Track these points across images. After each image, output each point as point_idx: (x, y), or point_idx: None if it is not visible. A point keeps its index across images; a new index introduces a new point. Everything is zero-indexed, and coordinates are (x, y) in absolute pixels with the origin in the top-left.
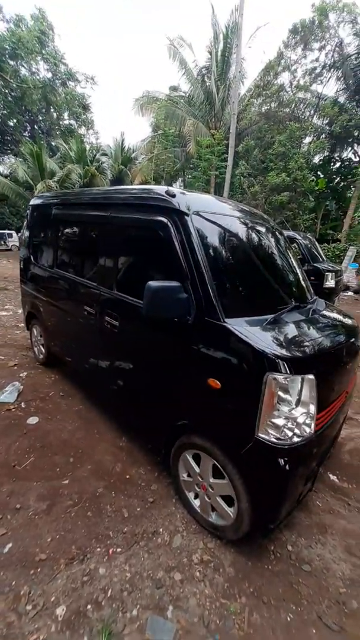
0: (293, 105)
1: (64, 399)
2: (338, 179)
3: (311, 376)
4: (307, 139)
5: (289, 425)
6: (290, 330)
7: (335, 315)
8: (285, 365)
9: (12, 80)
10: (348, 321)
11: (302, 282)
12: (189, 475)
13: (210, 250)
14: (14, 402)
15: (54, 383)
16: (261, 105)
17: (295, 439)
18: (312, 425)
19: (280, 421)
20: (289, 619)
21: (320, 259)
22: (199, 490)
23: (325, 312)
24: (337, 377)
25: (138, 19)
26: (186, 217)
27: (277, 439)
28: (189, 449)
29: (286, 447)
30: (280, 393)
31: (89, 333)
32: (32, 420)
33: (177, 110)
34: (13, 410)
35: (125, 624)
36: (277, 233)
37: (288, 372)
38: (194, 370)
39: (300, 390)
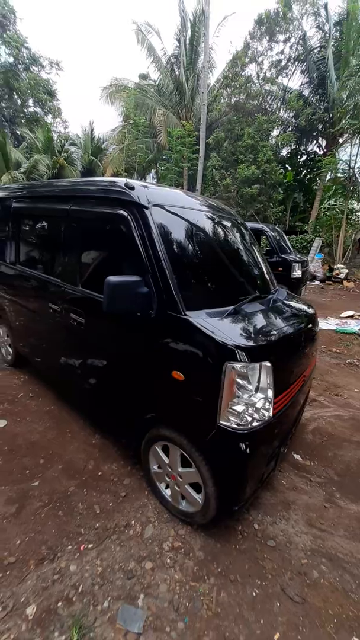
0: (261, 97)
1: (34, 400)
2: (305, 171)
3: (268, 363)
4: (275, 132)
5: (249, 410)
6: (249, 320)
7: (294, 303)
8: (243, 354)
9: None
10: (306, 309)
11: (265, 274)
12: (159, 467)
13: (171, 244)
14: None
15: (23, 384)
16: (230, 97)
17: (255, 424)
18: (271, 409)
19: (239, 407)
20: (254, 594)
21: (288, 250)
22: (169, 480)
23: (286, 301)
24: (295, 361)
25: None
26: (145, 210)
27: (238, 424)
28: (158, 441)
29: (246, 431)
30: (239, 381)
31: (55, 331)
32: (0, 423)
33: (147, 100)
34: None
35: (96, 617)
36: (241, 227)
37: (246, 360)
38: (158, 363)
39: (259, 377)
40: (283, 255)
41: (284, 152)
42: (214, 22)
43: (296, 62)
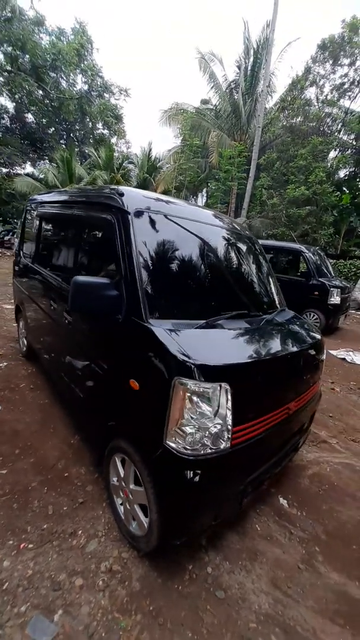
0: (319, 120)
1: (33, 392)
2: None
3: (226, 384)
4: (332, 154)
5: (199, 435)
6: (221, 337)
7: (295, 327)
8: (195, 370)
9: (51, 92)
10: (308, 335)
11: (265, 292)
12: (117, 480)
13: (148, 250)
14: None
15: (28, 375)
16: (286, 119)
17: (205, 451)
18: (228, 438)
19: (188, 429)
20: None
21: (328, 275)
22: (122, 496)
23: (283, 324)
24: (272, 389)
25: (173, 35)
26: (128, 215)
27: (185, 448)
28: (117, 452)
29: (193, 458)
30: (189, 399)
31: (54, 328)
32: None
33: (203, 122)
34: None
35: (9, 618)
36: (245, 241)
37: (198, 378)
38: (119, 369)
39: (213, 399)
40: (321, 279)
41: (342, 174)
42: (277, 48)
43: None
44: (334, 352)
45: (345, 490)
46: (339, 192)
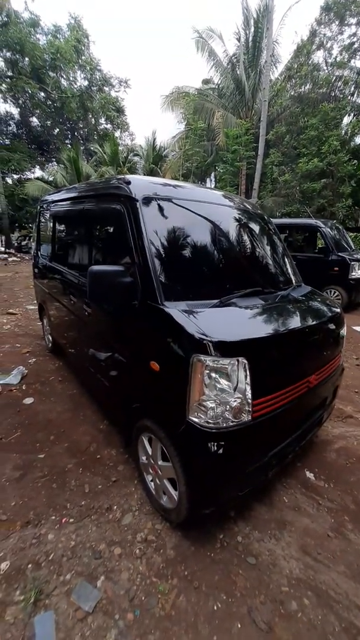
0: (329, 84)
1: (62, 384)
2: None
3: (243, 359)
4: (346, 120)
5: (220, 409)
6: (234, 314)
7: (312, 302)
8: (212, 347)
9: (53, 92)
10: (326, 309)
11: (280, 269)
12: (146, 459)
13: (158, 234)
14: (16, 384)
15: (56, 369)
16: (293, 88)
17: (227, 424)
18: (249, 411)
19: (210, 404)
20: (216, 607)
21: (348, 249)
22: (152, 472)
23: (300, 299)
24: (289, 363)
25: (167, 15)
26: (136, 202)
27: (207, 422)
28: (144, 432)
29: (215, 431)
30: (208, 375)
31: (75, 320)
32: (28, 400)
33: (207, 104)
34: (14, 391)
35: (56, 586)
36: (254, 219)
37: (215, 354)
38: (139, 353)
39: (231, 374)
40: (341, 254)
41: (358, 140)
42: (278, 14)
43: None
44: (357, 328)
45: None
46: (356, 161)
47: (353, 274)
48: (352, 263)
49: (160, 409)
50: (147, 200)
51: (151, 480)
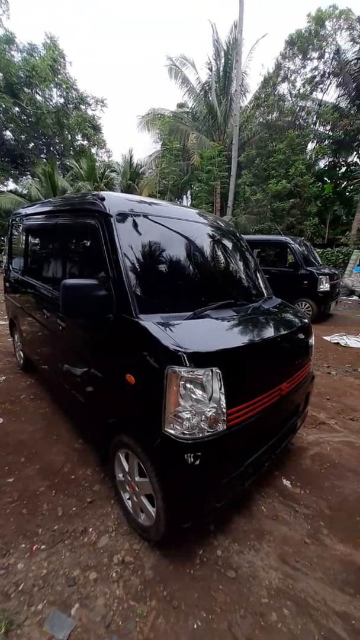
0: (294, 114)
1: (33, 402)
2: (345, 183)
3: (217, 369)
4: (310, 146)
5: (196, 419)
6: (208, 326)
7: (282, 313)
8: (186, 358)
9: (28, 107)
10: (296, 319)
11: (251, 282)
12: (123, 476)
13: (132, 249)
14: None
15: (28, 387)
16: (262, 116)
17: (203, 434)
18: (223, 421)
19: (185, 415)
20: (196, 626)
21: (316, 263)
22: (129, 489)
23: (270, 310)
24: (262, 372)
25: (144, 42)
26: (110, 218)
27: (183, 433)
28: (121, 448)
29: (191, 441)
30: (183, 386)
31: (48, 335)
32: None
33: (181, 126)
34: None
35: (27, 617)
36: (226, 236)
37: (189, 365)
38: (115, 366)
39: (206, 384)
40: (309, 268)
41: (322, 164)
42: (246, 47)
43: (331, 77)
44: (327, 338)
45: (346, 466)
46: (320, 183)
47: (321, 287)
48: (320, 277)
49: (136, 423)
50: (122, 216)
51: (128, 498)
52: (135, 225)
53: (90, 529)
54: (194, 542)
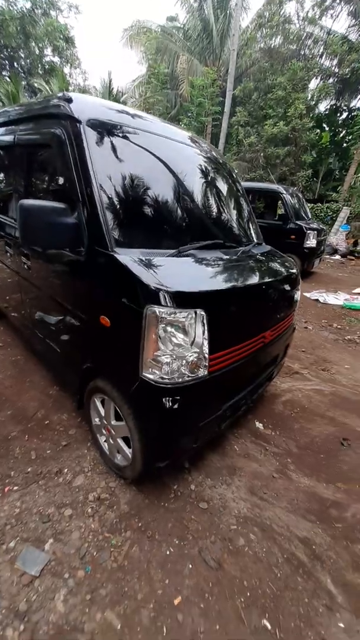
0: (300, 41)
1: (2, 350)
2: (344, 132)
3: (201, 311)
4: (313, 84)
5: (176, 364)
6: (193, 265)
7: (271, 261)
8: (167, 297)
9: None
10: (283, 268)
11: (242, 224)
12: (99, 420)
13: (108, 168)
14: None
15: None
16: (264, 39)
17: (183, 379)
18: (205, 366)
19: (165, 359)
20: (168, 552)
21: (306, 218)
22: (105, 433)
23: (260, 256)
24: (246, 318)
25: None
26: (79, 125)
27: (162, 378)
28: (96, 393)
29: (170, 386)
30: (163, 329)
31: (13, 277)
32: None
33: (170, 44)
34: None
35: None
36: (221, 168)
37: (170, 305)
38: (89, 307)
39: (188, 326)
40: (298, 222)
41: (322, 108)
42: None
43: (342, 2)
44: (307, 294)
45: (315, 411)
46: (318, 130)
47: (308, 242)
48: (308, 232)
49: (112, 368)
50: (94, 125)
51: (105, 441)
52: (111, 137)
53: (66, 470)
54: (168, 478)
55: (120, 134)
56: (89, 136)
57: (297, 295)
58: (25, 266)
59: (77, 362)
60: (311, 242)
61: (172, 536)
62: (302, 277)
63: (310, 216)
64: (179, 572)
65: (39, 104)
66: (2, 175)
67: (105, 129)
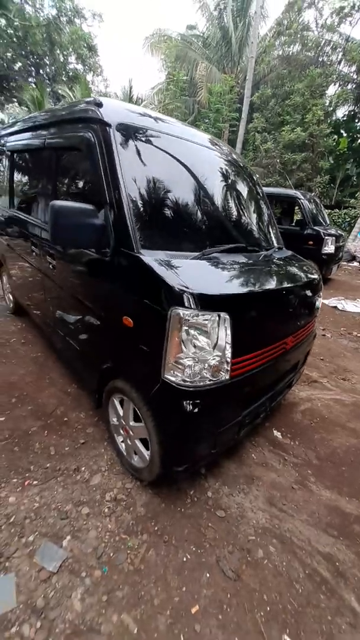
0: (318, 48)
1: (25, 346)
2: None
3: (224, 314)
4: (331, 90)
5: (198, 367)
6: (218, 268)
7: (292, 266)
8: (193, 299)
9: (15, 19)
10: (305, 274)
11: (263, 228)
12: (117, 420)
13: (136, 172)
14: None
15: (18, 331)
16: (282, 47)
17: (205, 383)
18: (227, 370)
19: (187, 362)
20: (185, 559)
21: (323, 223)
22: (123, 433)
23: (282, 261)
24: (269, 323)
25: None
26: (109, 128)
27: (184, 380)
28: (115, 393)
29: (192, 389)
30: (187, 331)
31: (39, 276)
32: None
33: (190, 52)
34: None
35: (17, 548)
36: (242, 172)
37: (195, 307)
38: (112, 308)
39: (211, 330)
40: (316, 227)
41: (340, 114)
42: None
43: None
44: (325, 301)
45: (336, 421)
46: (336, 136)
47: (325, 248)
48: (326, 237)
49: (133, 368)
50: (123, 128)
51: (122, 441)
52: (137, 141)
53: (83, 468)
54: (185, 483)
55: (145, 138)
56: (118, 140)
57: (319, 302)
58: (50, 266)
59: (96, 362)
60: (329, 248)
61: (188, 542)
62: None
63: (328, 222)
64: (196, 581)
65: (69, 108)
66: (29, 177)
67: (132, 133)
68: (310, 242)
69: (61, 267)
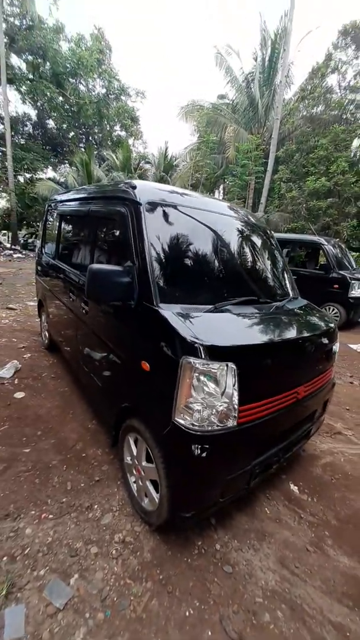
0: (341, 107)
1: (54, 380)
2: None
3: (232, 364)
4: (355, 143)
5: (206, 412)
6: (227, 320)
7: (307, 315)
8: (202, 350)
9: (71, 97)
10: (321, 323)
11: (277, 280)
12: (131, 459)
13: (159, 238)
14: (9, 378)
15: (50, 365)
16: (306, 109)
17: (213, 428)
18: (234, 417)
19: (196, 406)
20: (187, 613)
21: (350, 267)
22: (135, 473)
23: (295, 311)
24: (278, 372)
25: (188, 30)
26: (140, 206)
27: (192, 424)
28: (131, 432)
29: (200, 433)
30: (197, 378)
31: (72, 318)
32: (19, 395)
33: (220, 117)
34: (6, 384)
35: (29, 581)
36: (256, 231)
37: (204, 357)
38: (132, 352)
39: (220, 378)
40: (342, 272)
41: None
42: (295, 37)
43: None
44: (353, 346)
45: None
46: None
47: (353, 292)
48: (353, 282)
49: (147, 409)
50: (152, 206)
51: (134, 482)
52: (164, 215)
53: (96, 506)
54: (193, 533)
55: (169, 211)
56: (147, 216)
57: (335, 349)
58: (84, 310)
59: (116, 400)
60: (356, 292)
61: (192, 596)
62: (347, 328)
63: (355, 265)
64: (198, 637)
65: (110, 186)
66: (73, 235)
67: (158, 209)
68: (336, 286)
69: (93, 312)
